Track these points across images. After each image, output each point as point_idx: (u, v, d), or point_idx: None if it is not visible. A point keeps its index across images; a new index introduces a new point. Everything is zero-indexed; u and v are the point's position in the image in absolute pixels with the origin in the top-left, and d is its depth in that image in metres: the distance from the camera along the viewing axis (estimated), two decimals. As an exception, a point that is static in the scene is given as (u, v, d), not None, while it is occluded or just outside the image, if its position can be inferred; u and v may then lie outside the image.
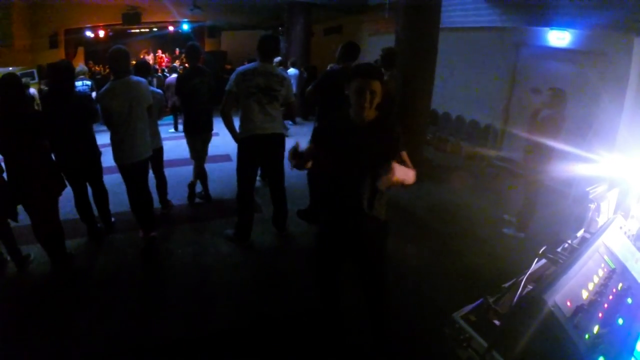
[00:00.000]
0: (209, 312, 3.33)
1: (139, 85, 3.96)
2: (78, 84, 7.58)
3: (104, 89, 3.87)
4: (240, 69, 4.04)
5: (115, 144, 3.91)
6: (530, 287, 1.18)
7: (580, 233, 1.62)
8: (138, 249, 4.17)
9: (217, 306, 3.40)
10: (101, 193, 4.42)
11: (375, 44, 9.23)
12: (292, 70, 9.79)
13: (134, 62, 5.45)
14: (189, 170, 5.61)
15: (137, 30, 15.23)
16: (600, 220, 1.78)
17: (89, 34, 14.03)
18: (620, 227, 1.62)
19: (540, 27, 6.34)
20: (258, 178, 4.94)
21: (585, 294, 1.10)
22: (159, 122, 4.95)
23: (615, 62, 5.42)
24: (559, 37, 6.12)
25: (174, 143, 7.68)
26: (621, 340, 1.03)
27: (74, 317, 3.22)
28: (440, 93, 7.49)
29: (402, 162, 2.25)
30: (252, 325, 3.16)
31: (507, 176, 6.24)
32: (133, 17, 12.66)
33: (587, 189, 1.86)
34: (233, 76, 3.99)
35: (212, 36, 16.76)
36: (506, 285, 1.11)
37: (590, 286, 1.14)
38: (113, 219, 4.65)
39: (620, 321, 1.09)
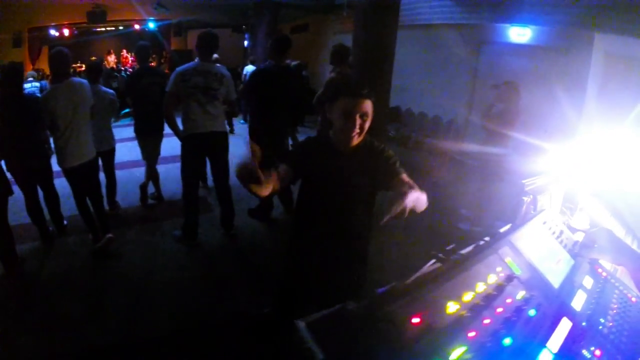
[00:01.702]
0: (150, 315, 3.27)
1: (81, 87, 3.88)
2: (27, 86, 7.48)
3: (46, 92, 3.82)
4: (179, 68, 3.97)
5: (59, 147, 3.81)
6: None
7: (505, 229, 1.43)
8: (89, 251, 4.10)
9: (159, 309, 3.34)
10: (52, 196, 4.32)
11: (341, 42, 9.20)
12: (250, 67, 9.60)
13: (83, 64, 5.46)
14: (142, 171, 5.45)
15: (103, 29, 14.80)
16: (551, 213, 1.62)
17: (54, 32, 13.60)
18: (544, 223, 1.44)
19: (502, 24, 6.29)
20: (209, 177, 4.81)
21: (453, 308, 0.89)
22: (119, 123, 4.95)
23: (575, 58, 5.37)
24: (520, 34, 6.08)
25: (133, 144, 7.43)
26: None
27: (20, 322, 3.16)
28: (404, 90, 7.43)
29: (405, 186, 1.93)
30: (193, 327, 3.10)
31: (467, 170, 6.14)
32: (98, 15, 12.29)
33: (524, 181, 1.68)
34: (172, 76, 3.93)
35: (179, 35, 16.39)
36: (380, 290, 0.91)
37: (468, 297, 0.93)
38: (65, 222, 4.54)
39: (508, 341, 0.87)
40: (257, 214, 4.91)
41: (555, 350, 0.93)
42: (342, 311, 0.87)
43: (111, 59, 16.26)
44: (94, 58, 13.50)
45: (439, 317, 0.86)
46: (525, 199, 1.60)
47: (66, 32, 13.69)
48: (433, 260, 1.16)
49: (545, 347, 0.92)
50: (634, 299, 1.32)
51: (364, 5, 5.87)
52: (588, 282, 1.30)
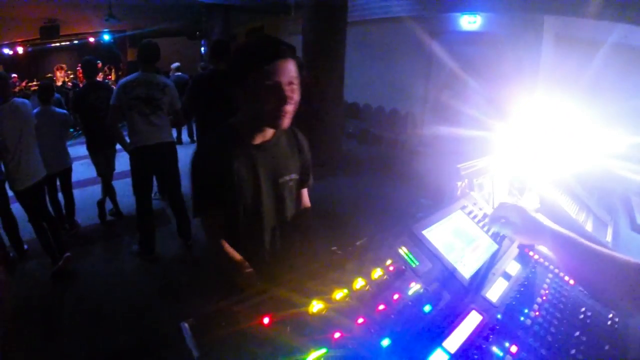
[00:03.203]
0: (110, 332, 3.23)
1: (24, 107, 3.84)
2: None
3: None
4: (121, 81, 3.91)
5: (11, 170, 3.75)
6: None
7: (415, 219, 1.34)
8: (49, 274, 3.99)
9: (119, 325, 3.30)
10: (10, 221, 4.21)
11: (296, 43, 9.21)
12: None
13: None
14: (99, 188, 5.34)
15: (57, 44, 14.40)
16: (477, 197, 1.53)
17: (7, 51, 13.21)
18: (463, 207, 1.35)
19: (453, 13, 6.32)
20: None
21: (317, 307, 0.80)
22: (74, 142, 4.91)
23: (526, 42, 5.42)
24: (470, 22, 6.12)
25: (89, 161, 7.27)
26: None
27: None
28: (361, 86, 7.42)
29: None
30: (151, 343, 3.05)
31: (426, 159, 6.18)
32: (51, 30, 12.03)
33: (459, 165, 1.59)
34: (115, 89, 3.87)
35: (134, 45, 15.98)
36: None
37: (338, 295, 0.83)
38: (26, 247, 4.42)
39: (386, 342, 0.78)
40: None
41: (454, 349, 0.83)
42: (220, 309, 0.83)
43: (60, 75, 15.66)
44: (49, 75, 13.14)
45: (304, 316, 0.78)
46: (459, 183, 1.54)
47: (20, 49, 13.28)
48: (333, 250, 1.09)
49: (440, 346, 0.83)
50: (572, 282, 1.23)
51: (311, 6, 5.86)
52: (513, 268, 1.21)
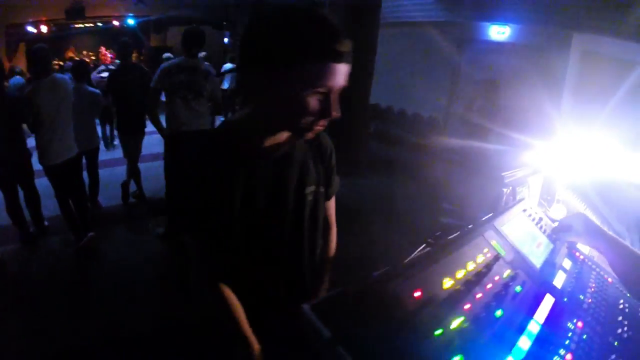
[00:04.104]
0: (137, 313, 3.22)
1: (64, 83, 3.88)
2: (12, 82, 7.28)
3: (29, 88, 3.79)
4: (164, 64, 3.94)
5: (43, 144, 3.79)
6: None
7: (487, 217, 1.48)
8: (72, 251, 4.03)
9: (145, 307, 3.30)
10: (33, 196, 4.22)
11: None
12: (229, 65, 9.54)
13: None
14: (124, 169, 5.44)
15: (82, 25, 14.48)
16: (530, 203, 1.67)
17: (31, 29, 13.26)
18: (524, 210, 1.51)
19: (483, 22, 6.40)
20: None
21: (447, 284, 0.95)
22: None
23: (554, 56, 5.50)
24: (499, 32, 6.20)
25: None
26: (497, 335, 0.89)
27: (4, 322, 3.10)
28: (385, 87, 7.49)
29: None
30: (177, 326, 3.07)
31: (449, 165, 6.26)
32: (77, 11, 12.13)
33: (503, 174, 1.75)
34: (157, 72, 3.89)
35: (158, 32, 16.05)
36: (376, 273, 0.95)
37: (459, 274, 1.00)
38: (46, 223, 4.44)
39: (499, 313, 0.94)
40: None
41: (542, 321, 1.00)
42: (344, 293, 0.88)
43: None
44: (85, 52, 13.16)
45: (437, 291, 0.92)
46: (505, 190, 1.69)
47: (44, 28, 13.35)
48: (423, 245, 1.21)
49: (532, 318, 0.99)
50: (610, 280, 1.40)
51: (346, 5, 5.93)
52: (567, 263, 1.38)
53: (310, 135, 1.07)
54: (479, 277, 1.01)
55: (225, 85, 9.34)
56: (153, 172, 5.82)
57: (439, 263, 1.00)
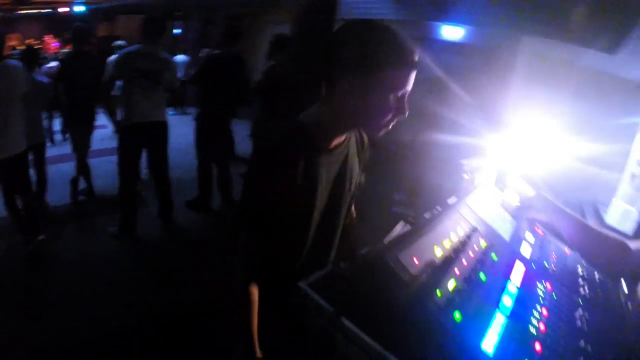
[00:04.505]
0: (94, 314, 3.09)
1: (16, 71, 3.44)
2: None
3: None
4: (122, 51, 3.81)
5: None
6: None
7: (451, 200, 1.59)
8: (21, 255, 3.73)
9: (102, 308, 3.16)
10: None
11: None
12: (180, 57, 9.33)
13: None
14: (71, 166, 5.15)
15: (28, 12, 13.59)
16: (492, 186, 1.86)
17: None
18: (487, 192, 1.68)
19: (439, 22, 6.61)
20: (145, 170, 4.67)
21: (439, 252, 1.06)
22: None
23: (503, 57, 5.78)
24: (453, 32, 6.43)
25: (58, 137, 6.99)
26: (484, 294, 1.00)
27: None
28: None
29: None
30: (139, 325, 3.00)
31: (402, 160, 6.45)
32: (23, -4, 11.39)
33: (461, 161, 1.89)
34: (114, 59, 3.75)
35: (108, 20, 15.37)
36: (363, 251, 1.00)
37: (446, 244, 1.11)
38: None
39: (483, 276, 1.06)
40: (196, 205, 4.85)
41: (518, 284, 1.13)
42: (339, 269, 0.94)
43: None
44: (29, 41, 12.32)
45: (432, 258, 1.01)
46: (465, 176, 1.81)
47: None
48: (402, 223, 1.28)
49: (510, 281, 1.12)
50: (567, 251, 1.58)
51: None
52: (530, 237, 1.53)
53: (384, 132, 1.22)
54: (462, 246, 1.12)
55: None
56: (103, 169, 5.63)
57: (428, 234, 1.10)
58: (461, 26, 6.37)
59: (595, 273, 1.45)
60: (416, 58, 1.11)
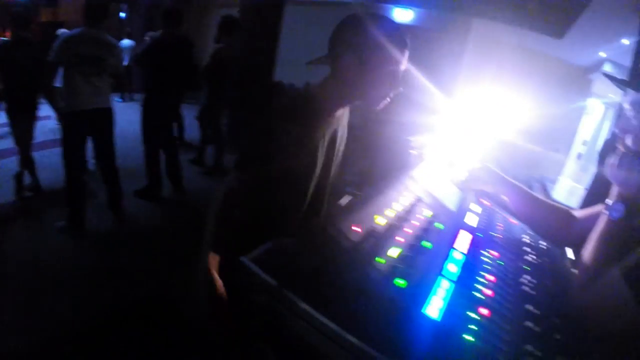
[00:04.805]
0: (46, 311, 2.98)
1: None
2: None
3: None
4: (64, 34, 3.61)
5: None
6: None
7: (402, 171, 1.62)
8: None
9: (54, 304, 3.06)
10: None
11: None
12: (126, 42, 9.00)
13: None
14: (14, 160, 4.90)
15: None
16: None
17: None
18: (434, 166, 1.71)
19: (388, 4, 6.63)
20: (92, 160, 4.50)
21: (381, 221, 1.06)
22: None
23: (453, 40, 5.88)
24: (403, 15, 6.47)
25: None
26: (429, 261, 1.01)
27: None
28: (287, 66, 7.56)
29: None
30: (93, 319, 2.92)
31: (352, 141, 6.51)
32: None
33: (409, 138, 1.96)
34: (56, 44, 3.53)
35: (51, 5, 14.23)
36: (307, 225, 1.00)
37: (389, 213, 1.11)
38: None
39: (427, 244, 1.07)
40: (145, 194, 4.78)
41: (464, 251, 1.14)
42: (281, 243, 0.96)
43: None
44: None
45: (372, 226, 1.01)
46: (413, 152, 1.87)
47: None
48: (347, 196, 1.29)
49: (455, 249, 1.13)
50: (513, 221, 1.61)
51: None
52: (476, 208, 1.56)
53: (381, 105, 1.42)
54: (406, 215, 1.12)
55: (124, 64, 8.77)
56: (48, 161, 5.35)
57: (369, 204, 1.10)
58: (412, 8, 6.41)
59: (542, 242, 1.49)
60: (407, 39, 1.34)
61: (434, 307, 0.85)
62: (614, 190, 1.09)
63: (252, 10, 5.99)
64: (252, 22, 5.94)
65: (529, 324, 0.95)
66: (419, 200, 1.25)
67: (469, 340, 0.81)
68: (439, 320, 0.82)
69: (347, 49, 1.32)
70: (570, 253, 1.52)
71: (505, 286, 1.06)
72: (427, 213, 1.22)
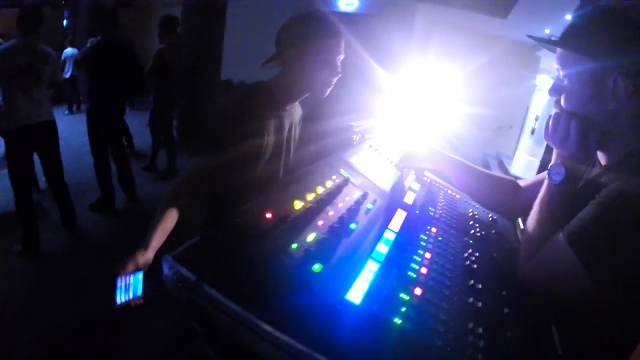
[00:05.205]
0: (5, 335, 2.86)
1: None
2: None
3: None
4: None
5: None
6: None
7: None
8: None
9: (13, 330, 2.91)
10: None
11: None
12: (69, 50, 8.66)
13: None
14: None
15: None
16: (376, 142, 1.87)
17: None
18: (370, 146, 1.69)
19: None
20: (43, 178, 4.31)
21: (298, 205, 1.01)
22: None
23: (400, 24, 5.89)
24: (348, 3, 6.46)
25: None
26: (353, 243, 0.96)
27: None
28: (236, 62, 7.45)
29: None
30: (56, 341, 2.82)
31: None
32: None
33: (351, 123, 1.94)
34: None
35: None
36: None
37: (309, 197, 1.06)
38: None
39: (353, 226, 1.01)
40: (99, 207, 4.61)
41: (397, 230, 1.10)
42: (200, 238, 0.96)
43: None
44: None
45: (288, 212, 0.96)
46: (354, 137, 1.84)
47: None
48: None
49: (387, 228, 1.08)
50: (458, 196, 1.61)
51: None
52: (415, 186, 1.54)
53: (326, 92, 1.53)
54: (329, 197, 1.06)
55: (68, 74, 8.49)
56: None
57: (287, 190, 1.05)
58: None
59: (489, 214, 1.47)
60: (340, 29, 1.47)
61: (357, 291, 0.79)
62: (555, 154, 1.06)
63: (194, 9, 5.86)
64: (195, 20, 5.81)
65: (471, 299, 0.91)
66: (346, 181, 1.20)
67: (397, 324, 0.76)
68: (358, 304, 0.77)
69: (289, 45, 1.45)
70: (520, 222, 1.51)
71: (444, 263, 1.02)
72: (356, 193, 1.17)
